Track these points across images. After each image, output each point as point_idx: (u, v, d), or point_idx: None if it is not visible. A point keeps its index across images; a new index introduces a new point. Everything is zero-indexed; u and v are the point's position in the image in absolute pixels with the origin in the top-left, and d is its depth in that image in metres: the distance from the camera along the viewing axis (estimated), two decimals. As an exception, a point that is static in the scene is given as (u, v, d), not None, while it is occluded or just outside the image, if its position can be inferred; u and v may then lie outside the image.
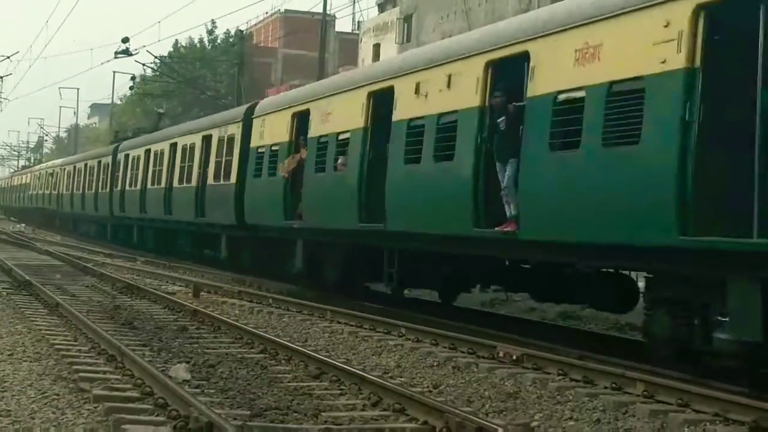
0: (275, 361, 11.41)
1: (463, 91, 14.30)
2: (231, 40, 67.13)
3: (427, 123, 15.14)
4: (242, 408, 8.53)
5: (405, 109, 15.91)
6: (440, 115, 14.82)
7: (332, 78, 23.78)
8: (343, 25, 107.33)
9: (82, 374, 9.73)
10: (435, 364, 11.75)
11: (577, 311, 18.03)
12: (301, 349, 11.70)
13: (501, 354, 11.83)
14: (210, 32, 72.24)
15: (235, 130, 25.12)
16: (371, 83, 17.47)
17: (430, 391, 9.88)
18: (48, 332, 12.92)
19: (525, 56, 13.03)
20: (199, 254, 29.85)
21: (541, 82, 12.59)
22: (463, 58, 14.58)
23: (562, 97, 12.22)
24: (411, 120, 15.61)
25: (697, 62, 10.28)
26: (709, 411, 9.00)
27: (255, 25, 79.25)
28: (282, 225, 21.08)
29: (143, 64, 53.11)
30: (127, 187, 36.36)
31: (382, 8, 60.95)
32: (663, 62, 10.56)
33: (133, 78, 58.23)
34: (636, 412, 9.14)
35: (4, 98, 58.42)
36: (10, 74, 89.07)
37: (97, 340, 11.92)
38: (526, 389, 10.21)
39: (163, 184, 31.22)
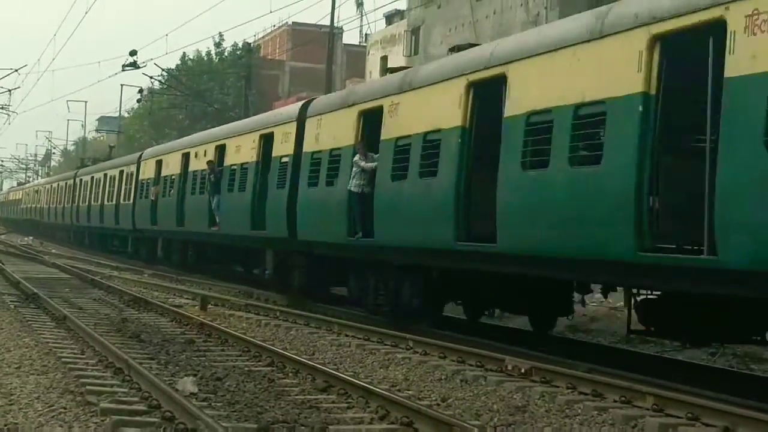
0: (283, 374, 11.39)
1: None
2: (238, 52, 67.28)
3: (202, 175, 28.12)
4: (249, 421, 8.51)
5: (198, 164, 29.04)
6: (233, 166, 26.50)
7: (171, 143, 39.24)
8: (350, 37, 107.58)
9: (89, 387, 9.72)
10: (443, 377, 11.71)
11: (587, 326, 18.01)
12: (308, 362, 11.67)
13: (509, 367, 11.79)
14: (217, 45, 72.45)
15: (133, 168, 38.32)
16: (185, 149, 31.33)
17: (438, 405, 9.83)
18: (55, 345, 12.93)
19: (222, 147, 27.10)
20: (121, 251, 41.82)
21: (228, 159, 26.11)
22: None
23: (231, 167, 25.51)
24: (193, 172, 29.35)
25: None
26: (719, 425, 8.93)
27: (262, 37, 79.40)
28: (150, 228, 34.38)
29: (151, 77, 53.20)
30: (80, 204, 49.15)
31: (389, 21, 61.02)
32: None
33: (140, 91, 58.31)
34: (645, 425, 9.09)
35: (13, 111, 58.63)
36: (18, 87, 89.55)
37: (104, 353, 11.92)
38: (535, 403, 10.15)
39: (99, 202, 44.01)
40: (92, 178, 46.78)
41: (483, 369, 12.07)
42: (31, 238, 57.99)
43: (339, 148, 18.91)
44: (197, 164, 29.02)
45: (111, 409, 8.67)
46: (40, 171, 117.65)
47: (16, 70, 46.53)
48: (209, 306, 19.09)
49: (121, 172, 40.28)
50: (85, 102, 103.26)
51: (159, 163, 34.11)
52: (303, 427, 8.36)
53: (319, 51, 56.68)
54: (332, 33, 43.11)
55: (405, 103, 16.68)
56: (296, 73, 74.29)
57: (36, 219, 67.96)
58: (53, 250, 43.99)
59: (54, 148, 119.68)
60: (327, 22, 43.05)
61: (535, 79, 13.29)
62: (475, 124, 14.71)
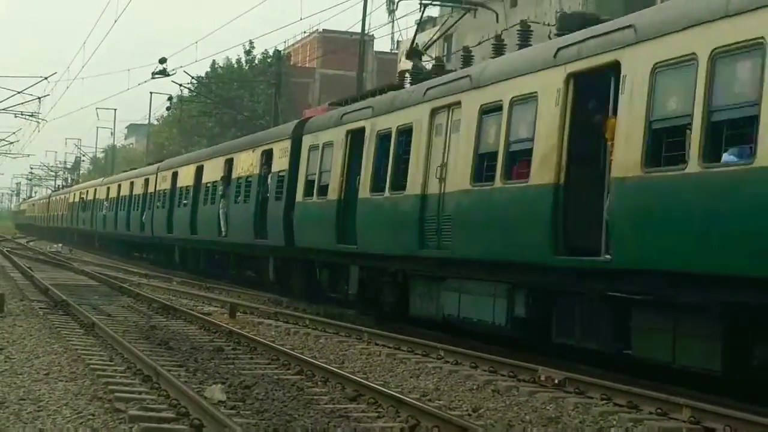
0: (312, 383, 11.29)
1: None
2: (269, 60, 67.35)
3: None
4: (278, 430, 8.41)
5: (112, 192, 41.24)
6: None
7: (82, 184, 70.56)
8: (381, 44, 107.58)
9: (117, 394, 9.67)
10: (474, 387, 11.57)
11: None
12: (337, 371, 11.57)
13: (542, 377, 11.63)
14: (247, 52, 72.60)
15: (54, 195, 76.10)
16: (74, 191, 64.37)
17: (470, 415, 9.70)
18: (84, 352, 12.90)
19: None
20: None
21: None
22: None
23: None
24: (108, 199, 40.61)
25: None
26: (758, 438, 8.76)
27: (293, 44, 79.57)
28: (79, 228, 56.68)
29: (180, 85, 53.53)
30: (52, 213, 78.85)
31: (421, 27, 60.93)
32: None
33: (170, 98, 58.49)
34: (682, 438, 8.92)
35: (42, 119, 59.10)
36: (48, 95, 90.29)
37: (132, 361, 11.87)
38: (569, 414, 9.99)
39: (60, 212, 71.65)
40: (57, 198, 77.32)
41: (515, 379, 11.92)
42: (60, 245, 58.42)
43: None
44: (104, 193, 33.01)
45: (139, 416, 8.61)
46: (69, 178, 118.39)
47: (46, 78, 46.60)
48: (238, 314, 19.04)
49: (66, 196, 69.55)
50: (115, 110, 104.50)
51: (76, 195, 49.19)
52: (333, 437, 8.25)
53: (349, 58, 56.72)
54: (363, 40, 43.01)
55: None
56: (326, 80, 74.39)
57: (31, 223, 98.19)
58: (85, 258, 44.17)
59: (83, 155, 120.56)
60: (358, 29, 42.99)
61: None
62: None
